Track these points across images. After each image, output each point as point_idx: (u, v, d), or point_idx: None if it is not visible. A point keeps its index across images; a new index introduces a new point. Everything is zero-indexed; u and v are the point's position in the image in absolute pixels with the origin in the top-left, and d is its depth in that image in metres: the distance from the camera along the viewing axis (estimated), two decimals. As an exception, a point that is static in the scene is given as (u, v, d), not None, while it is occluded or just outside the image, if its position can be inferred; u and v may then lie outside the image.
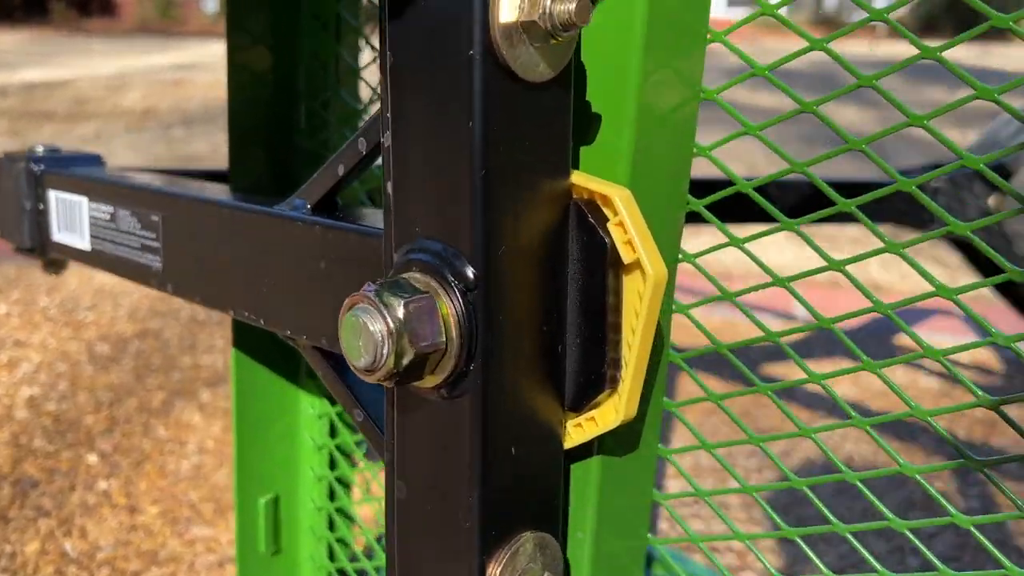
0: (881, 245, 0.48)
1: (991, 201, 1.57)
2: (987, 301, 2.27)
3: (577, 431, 0.50)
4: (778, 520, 0.55)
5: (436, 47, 0.42)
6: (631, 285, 0.47)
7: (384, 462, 0.52)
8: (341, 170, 0.53)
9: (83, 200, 0.79)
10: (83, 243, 0.80)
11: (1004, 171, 1.51)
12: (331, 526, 0.94)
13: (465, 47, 0.41)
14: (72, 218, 0.81)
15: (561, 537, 0.52)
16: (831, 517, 0.53)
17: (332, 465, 0.92)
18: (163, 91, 7.99)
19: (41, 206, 0.86)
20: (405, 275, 0.45)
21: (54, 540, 1.35)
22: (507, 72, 0.42)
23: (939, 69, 0.45)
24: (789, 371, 2.13)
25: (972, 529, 0.47)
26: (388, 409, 0.50)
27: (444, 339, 0.43)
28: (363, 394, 0.56)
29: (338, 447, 0.91)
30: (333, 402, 0.90)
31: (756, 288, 0.54)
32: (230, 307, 0.63)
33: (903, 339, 2.39)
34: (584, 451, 0.54)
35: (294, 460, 0.93)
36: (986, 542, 0.47)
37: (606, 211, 0.47)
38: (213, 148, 5.55)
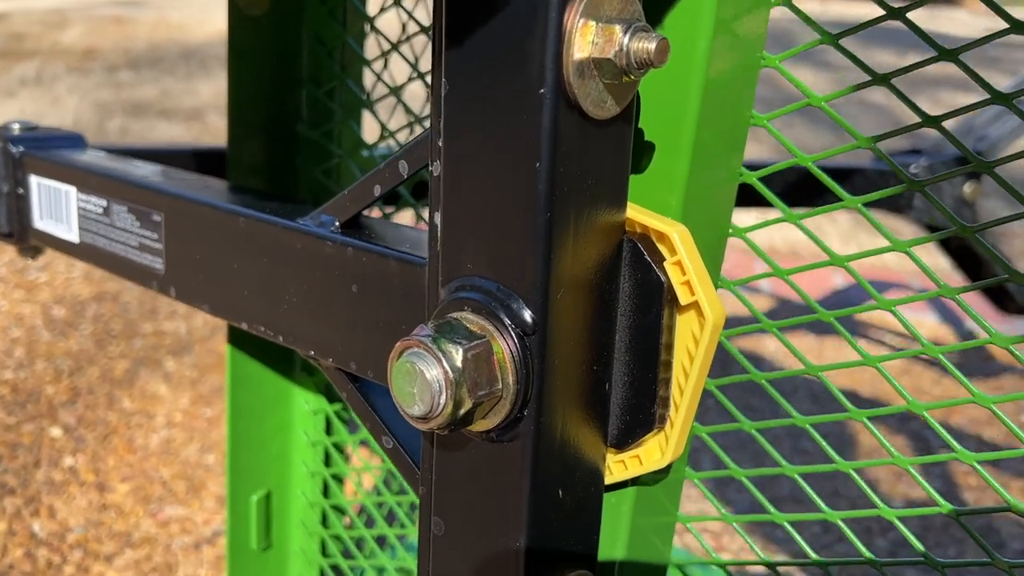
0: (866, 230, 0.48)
1: (966, 189, 1.59)
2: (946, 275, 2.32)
3: (619, 468, 0.49)
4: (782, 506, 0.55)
5: (501, 80, 0.40)
6: (685, 324, 0.45)
7: (418, 495, 0.50)
8: (378, 190, 0.50)
9: (71, 189, 0.75)
10: (70, 235, 0.76)
11: (979, 159, 1.53)
12: (324, 521, 0.93)
13: (536, 83, 0.38)
14: (58, 207, 0.77)
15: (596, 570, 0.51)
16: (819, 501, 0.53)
17: (327, 462, 0.90)
18: (104, 28, 7.67)
19: (21, 191, 0.82)
20: (456, 315, 0.43)
21: (21, 520, 1.31)
22: (576, 109, 0.39)
23: (887, 31, 0.44)
24: (755, 345, 2.16)
25: (960, 521, 0.47)
26: (426, 444, 0.48)
27: (500, 386, 0.41)
28: (392, 420, 0.54)
29: (334, 444, 0.89)
30: (329, 399, 0.88)
31: (758, 277, 0.53)
32: (243, 319, 0.60)
33: (876, 314, 2.43)
34: (619, 482, 0.53)
35: (287, 456, 0.91)
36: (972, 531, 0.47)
37: (661, 248, 0.45)
38: (162, 93, 5.38)
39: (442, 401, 0.40)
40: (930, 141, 1.55)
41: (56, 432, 1.57)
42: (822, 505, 0.54)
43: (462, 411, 0.40)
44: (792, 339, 2.26)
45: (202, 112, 4.81)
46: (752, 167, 0.55)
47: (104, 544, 1.28)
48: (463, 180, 0.43)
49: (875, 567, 0.52)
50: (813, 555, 0.55)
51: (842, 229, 3.27)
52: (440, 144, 0.43)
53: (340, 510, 0.93)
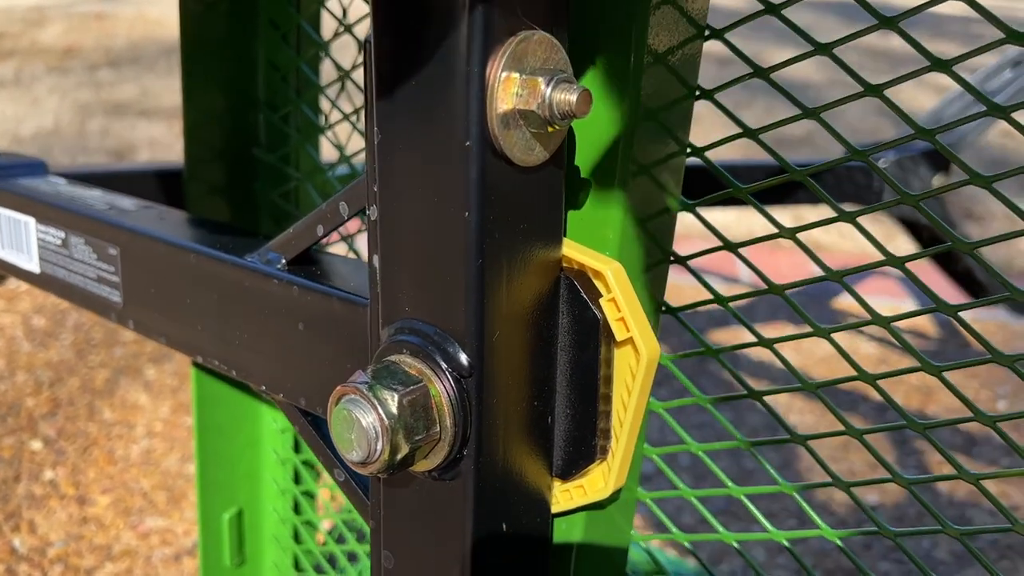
0: (831, 214, 0.49)
1: (935, 182, 1.61)
2: (925, 271, 2.34)
3: (564, 497, 0.50)
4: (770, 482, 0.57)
5: (429, 131, 0.40)
6: (622, 358, 0.46)
7: (369, 527, 0.51)
8: (320, 231, 0.51)
9: (31, 221, 0.75)
10: (31, 265, 0.76)
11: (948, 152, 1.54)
12: (296, 537, 0.94)
13: (462, 135, 0.39)
14: (18, 237, 0.77)
15: (547, 595, 0.52)
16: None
17: (297, 479, 0.91)
18: (85, 26, 7.60)
19: (-18, 219, 0.82)
20: (395, 358, 0.44)
21: (2, 535, 1.32)
22: (503, 158, 0.40)
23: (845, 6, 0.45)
24: (734, 336, 2.17)
25: (911, 489, 0.48)
26: (373, 481, 0.49)
27: (438, 429, 0.42)
28: (344, 453, 0.55)
29: (303, 462, 0.90)
30: (297, 417, 0.89)
31: (706, 252, 0.53)
32: (198, 353, 0.60)
33: (842, 302, 2.45)
34: (568, 510, 0.54)
35: (257, 473, 0.92)
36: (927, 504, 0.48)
37: (598, 284, 0.46)
38: (142, 92, 5.34)
39: (379, 447, 0.41)
40: (896, 134, 1.56)
41: (36, 445, 1.58)
42: (766, 524, 0.55)
43: (399, 456, 0.41)
44: (774, 330, 2.27)
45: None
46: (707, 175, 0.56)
47: (85, 558, 1.29)
48: (397, 225, 0.43)
49: (829, 538, 0.53)
50: (770, 528, 0.56)
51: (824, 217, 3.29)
52: (375, 189, 0.44)
53: (312, 526, 0.94)
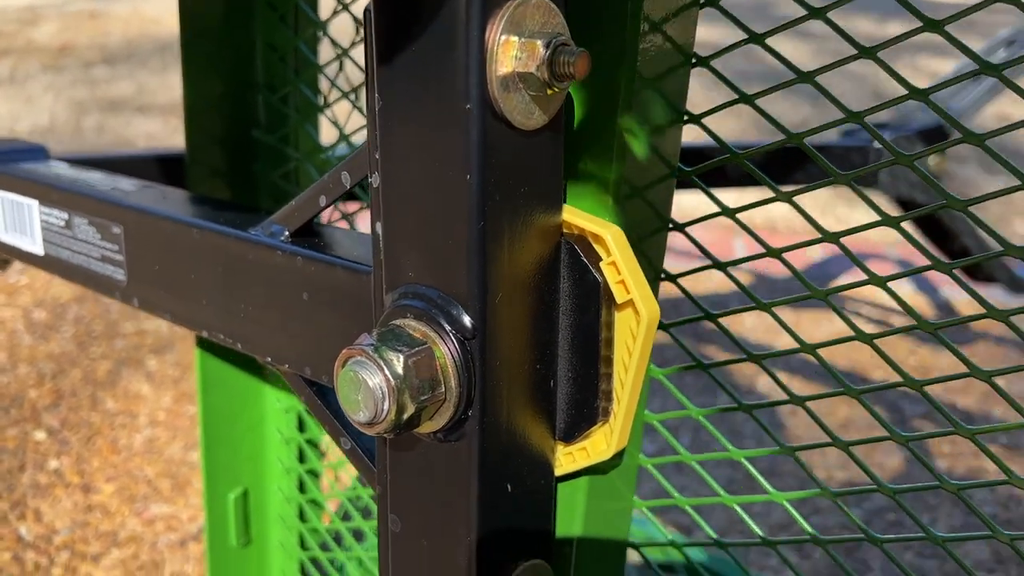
0: (821, 199, 0.49)
1: (931, 162, 1.61)
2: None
3: (568, 459, 0.51)
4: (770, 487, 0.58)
5: (430, 96, 0.41)
6: (623, 321, 0.47)
7: (376, 493, 0.52)
8: (323, 201, 0.52)
9: (34, 203, 0.76)
10: (35, 247, 0.77)
11: (943, 133, 1.55)
12: (301, 516, 0.94)
13: (462, 99, 0.40)
14: (21, 220, 0.78)
15: (552, 558, 0.53)
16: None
17: (301, 458, 0.92)
18: (79, 24, 7.58)
19: (-15, 204, 0.82)
20: (399, 322, 0.44)
21: (8, 524, 1.33)
22: (503, 121, 0.41)
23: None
24: (733, 321, 2.18)
25: (909, 447, 0.49)
26: (380, 445, 0.50)
27: (443, 389, 0.43)
28: (349, 422, 0.56)
29: (307, 440, 0.91)
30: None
31: (704, 218, 0.53)
32: (203, 328, 0.61)
33: (841, 282, 2.45)
34: (571, 472, 0.55)
35: (262, 453, 0.93)
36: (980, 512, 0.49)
37: (598, 248, 0.47)
38: (138, 88, 5.33)
39: (385, 407, 0.41)
40: (894, 115, 1.57)
41: (40, 435, 1.58)
42: (767, 486, 0.56)
43: (405, 416, 0.42)
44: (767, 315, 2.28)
45: (179, 106, 4.76)
46: (700, 152, 0.56)
47: (91, 545, 1.30)
48: (400, 191, 0.44)
49: (819, 544, 0.54)
50: (760, 533, 0.57)
51: (820, 202, 3.29)
52: (376, 156, 0.44)
53: (317, 504, 0.95)
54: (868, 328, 0.50)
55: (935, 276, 2.45)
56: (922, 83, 0.45)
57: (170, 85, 5.43)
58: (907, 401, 1.85)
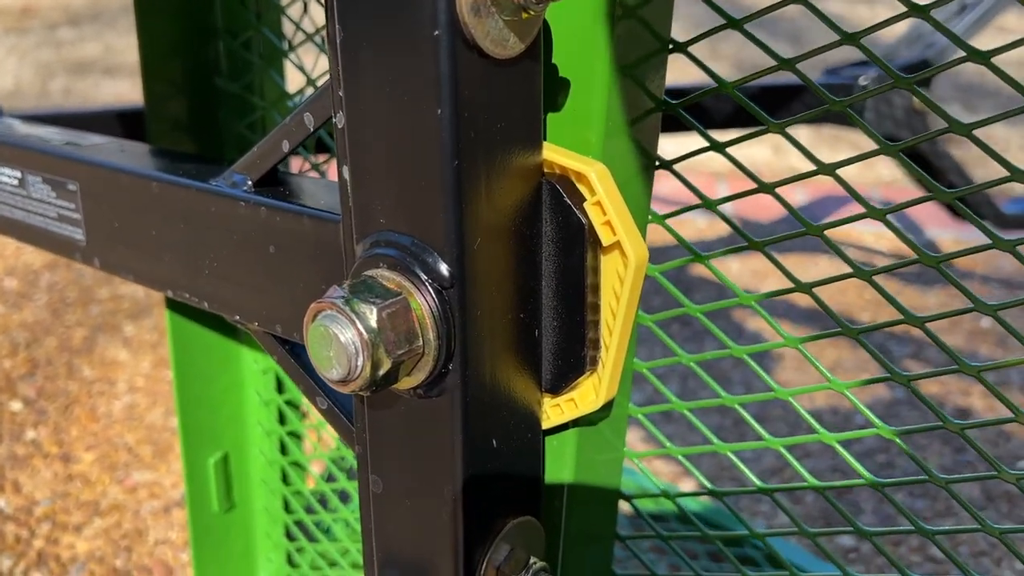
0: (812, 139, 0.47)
1: (916, 99, 1.58)
2: (903, 188, 2.33)
3: (555, 412, 0.49)
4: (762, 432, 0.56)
5: (394, 23, 0.38)
6: (610, 265, 0.44)
7: (355, 454, 0.49)
8: (286, 146, 0.48)
9: (-16, 163, 0.72)
10: (-11, 209, 0.73)
11: (928, 67, 1.52)
12: (284, 479, 0.92)
13: (429, 25, 0.36)
14: (-27, 181, 0.74)
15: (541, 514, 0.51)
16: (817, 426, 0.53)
17: (282, 420, 0.90)
18: (41, -15, 7.36)
19: (-66, 166, 0.78)
20: (372, 272, 0.41)
21: (-14, 497, 1.30)
22: (476, 50, 0.38)
23: None
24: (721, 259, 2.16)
25: (911, 387, 0.47)
26: (357, 404, 0.47)
27: (421, 343, 0.40)
28: (325, 381, 0.53)
29: (287, 402, 0.88)
30: (278, 357, 0.87)
31: (692, 154, 0.51)
32: (167, 287, 0.58)
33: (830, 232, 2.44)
34: (559, 425, 0.53)
35: (241, 416, 0.90)
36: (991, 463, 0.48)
37: (581, 188, 0.44)
38: (105, 49, 5.20)
39: (359, 363, 0.39)
40: (879, 51, 1.53)
41: (16, 406, 1.55)
42: (762, 432, 0.54)
43: (381, 372, 0.39)
44: (756, 259, 2.27)
45: (146, 66, 4.64)
46: (683, 92, 0.53)
47: (72, 515, 1.27)
48: (367, 131, 0.41)
49: (817, 491, 0.53)
50: (758, 482, 0.55)
51: (803, 144, 3.27)
52: (340, 94, 0.41)
53: (300, 467, 0.93)
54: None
55: (922, 216, 2.44)
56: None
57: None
58: (895, 342, 1.85)
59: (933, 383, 1.64)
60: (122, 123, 0.91)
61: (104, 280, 2.12)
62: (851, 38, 0.44)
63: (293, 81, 0.78)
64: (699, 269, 2.23)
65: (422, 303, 0.40)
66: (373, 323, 0.39)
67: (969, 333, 1.89)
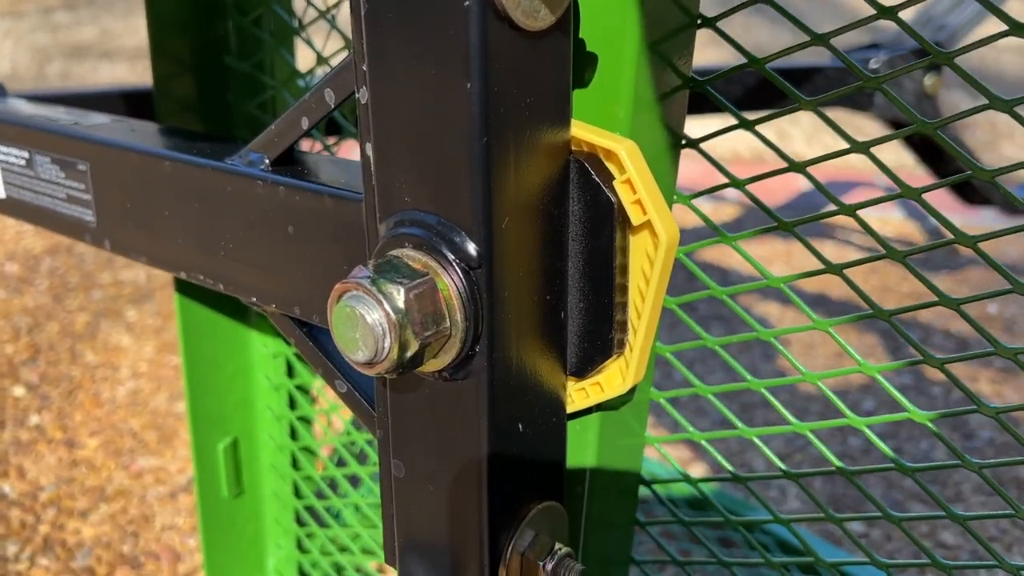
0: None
1: (927, 82, 1.57)
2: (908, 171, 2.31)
3: (580, 396, 0.48)
4: (789, 415, 0.55)
5: (423, -6, 0.36)
6: (639, 245, 0.43)
7: (376, 437, 0.49)
8: (305, 123, 0.47)
9: (-10, 143, 0.70)
10: (-5, 190, 0.72)
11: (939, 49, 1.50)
12: (295, 464, 0.91)
13: (459, -5, 0.35)
14: (-21, 162, 0.73)
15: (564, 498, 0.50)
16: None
17: (292, 405, 0.89)
18: (35, -33, 7.31)
19: (-61, 146, 0.77)
20: (397, 252, 0.40)
21: (-9, 482, 1.29)
22: (506, 21, 0.36)
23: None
24: (723, 255, 2.15)
25: (943, 370, 0.46)
26: (379, 387, 0.46)
27: (448, 324, 0.39)
28: (344, 363, 0.52)
29: (297, 386, 0.87)
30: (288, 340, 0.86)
31: (720, 133, 0.50)
32: (181, 269, 0.57)
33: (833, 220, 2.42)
34: (583, 409, 0.52)
35: (250, 401, 0.89)
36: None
37: (610, 166, 0.43)
38: (102, 33, 5.17)
39: (386, 345, 0.38)
40: (889, 35, 1.52)
41: (19, 391, 1.54)
42: (790, 417, 0.53)
43: (409, 353, 0.38)
44: (760, 244, 2.26)
45: (146, 50, 4.62)
46: (707, 72, 0.52)
47: (78, 500, 1.27)
48: (392, 107, 0.40)
49: (844, 475, 0.52)
50: (782, 466, 0.54)
51: (806, 130, 3.24)
52: (364, 69, 0.40)
53: (310, 452, 0.92)
54: (851, 254, 0.47)
55: (931, 202, 2.42)
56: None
57: (136, 28, 5.26)
58: (902, 327, 1.84)
59: (937, 370, 1.63)
60: (128, 104, 0.89)
61: (106, 264, 2.10)
62: (888, 11, 0.42)
63: (304, 60, 0.77)
64: (704, 254, 2.22)
65: (449, 283, 0.39)
66: (400, 304, 0.38)
67: (976, 318, 1.88)
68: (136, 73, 4.29)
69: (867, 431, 0.50)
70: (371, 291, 0.38)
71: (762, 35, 4.47)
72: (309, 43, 0.73)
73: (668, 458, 0.58)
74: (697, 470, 1.38)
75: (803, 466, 1.38)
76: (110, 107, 0.88)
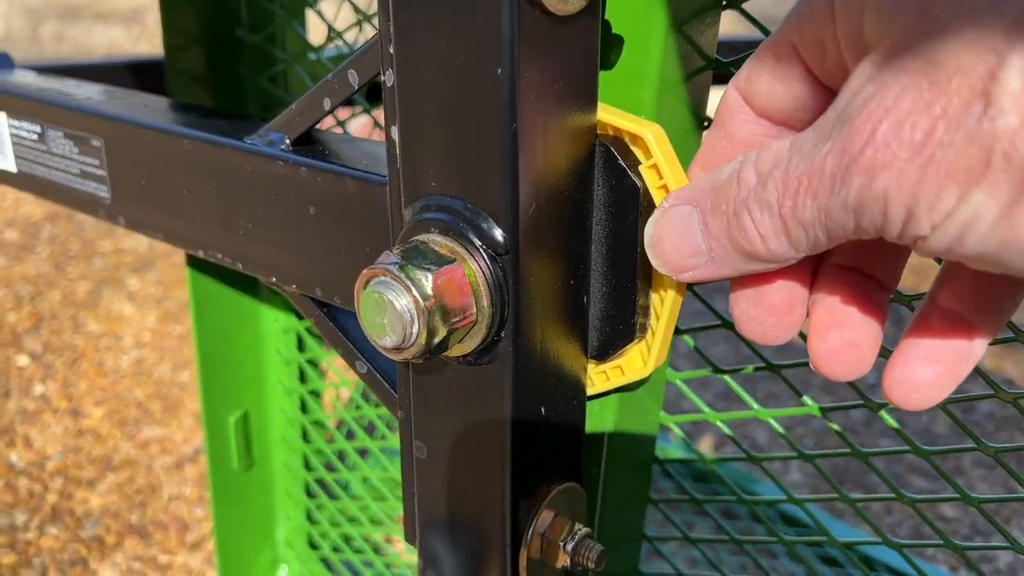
0: None
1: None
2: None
3: (600, 379, 0.48)
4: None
5: (453, -23, 0.36)
6: (663, 230, 0.43)
7: (398, 418, 0.49)
8: (327, 104, 0.47)
9: (1, 115, 0.70)
10: (6, 163, 0.71)
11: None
12: (305, 437, 0.92)
13: (491, -21, 0.35)
14: (-11, 135, 0.72)
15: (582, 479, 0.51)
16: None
17: (302, 379, 0.89)
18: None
19: (-53, 118, 0.76)
20: (423, 238, 0.40)
21: (-3, 451, 1.30)
22: (537, 6, 0.36)
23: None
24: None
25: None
26: (402, 369, 0.46)
27: (475, 310, 0.39)
28: (365, 343, 0.52)
29: (308, 360, 0.87)
30: (299, 316, 0.86)
31: None
32: (199, 247, 0.57)
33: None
34: (602, 392, 0.52)
35: (261, 375, 0.90)
36: None
37: (635, 150, 0.42)
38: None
39: (415, 331, 0.38)
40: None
41: (23, 360, 1.54)
42: (807, 398, 0.53)
43: (436, 339, 0.38)
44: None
45: (140, 13, 4.57)
46: (730, 42, 0.52)
47: (84, 470, 1.27)
48: (419, 90, 0.39)
49: (859, 456, 0.52)
50: (797, 447, 0.55)
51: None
52: (391, 51, 0.39)
53: (321, 425, 0.92)
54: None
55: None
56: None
57: (130, -9, 5.20)
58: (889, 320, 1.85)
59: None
60: (135, 76, 0.88)
61: (106, 232, 2.10)
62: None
63: (315, 33, 0.76)
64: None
65: (476, 269, 0.39)
66: (429, 290, 0.38)
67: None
68: (132, 35, 4.25)
69: (886, 416, 0.50)
70: (399, 277, 0.38)
71: (785, 12, 4.43)
72: (321, 15, 0.72)
73: (686, 440, 0.59)
74: (702, 444, 1.39)
75: (805, 439, 1.39)
76: (118, 79, 0.87)
